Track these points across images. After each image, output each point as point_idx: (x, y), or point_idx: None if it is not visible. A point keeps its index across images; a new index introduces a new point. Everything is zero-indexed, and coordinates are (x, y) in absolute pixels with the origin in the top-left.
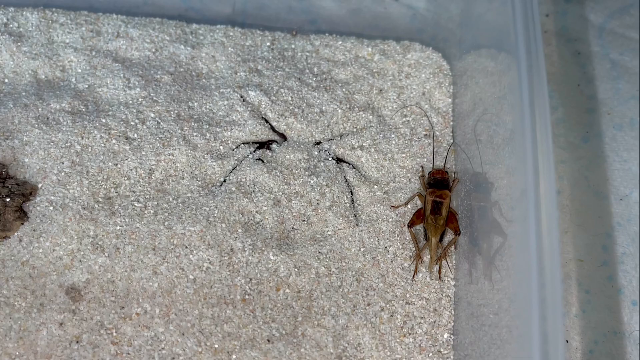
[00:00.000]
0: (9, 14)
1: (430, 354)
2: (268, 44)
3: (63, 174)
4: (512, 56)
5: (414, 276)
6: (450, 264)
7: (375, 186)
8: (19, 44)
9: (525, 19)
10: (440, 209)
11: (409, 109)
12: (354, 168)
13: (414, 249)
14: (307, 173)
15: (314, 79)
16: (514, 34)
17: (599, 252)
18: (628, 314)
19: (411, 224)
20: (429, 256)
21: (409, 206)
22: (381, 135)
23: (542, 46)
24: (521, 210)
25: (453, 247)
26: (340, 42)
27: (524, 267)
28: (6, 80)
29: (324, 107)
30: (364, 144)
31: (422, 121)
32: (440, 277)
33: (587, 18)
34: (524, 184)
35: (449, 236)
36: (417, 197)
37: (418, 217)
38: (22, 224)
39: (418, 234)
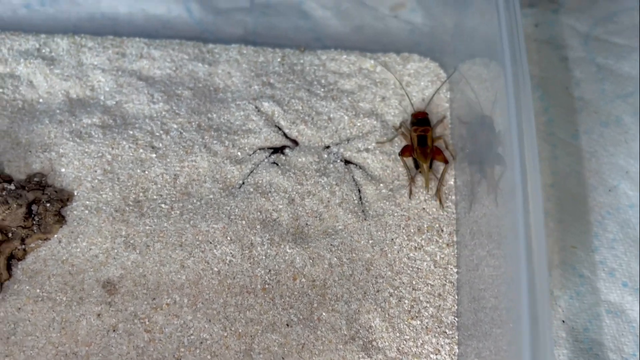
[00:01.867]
0: (41, 40)
1: (436, 335)
2: (279, 59)
3: (96, 181)
4: (500, 64)
5: (410, 196)
6: (444, 190)
7: (381, 184)
8: (52, 67)
9: (510, 29)
10: (425, 141)
11: (408, 113)
12: (360, 169)
13: (407, 175)
14: (318, 174)
15: (322, 89)
16: (501, 43)
17: (591, 239)
18: (619, 294)
19: (402, 153)
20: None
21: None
22: (385, 139)
23: (525, 54)
24: (511, 203)
25: (447, 175)
26: (344, 56)
27: (515, 254)
28: (41, 100)
29: (331, 115)
30: (369, 147)
31: None
32: (441, 203)
33: (573, 27)
34: (512, 179)
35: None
36: (401, 137)
37: (407, 150)
38: (61, 226)
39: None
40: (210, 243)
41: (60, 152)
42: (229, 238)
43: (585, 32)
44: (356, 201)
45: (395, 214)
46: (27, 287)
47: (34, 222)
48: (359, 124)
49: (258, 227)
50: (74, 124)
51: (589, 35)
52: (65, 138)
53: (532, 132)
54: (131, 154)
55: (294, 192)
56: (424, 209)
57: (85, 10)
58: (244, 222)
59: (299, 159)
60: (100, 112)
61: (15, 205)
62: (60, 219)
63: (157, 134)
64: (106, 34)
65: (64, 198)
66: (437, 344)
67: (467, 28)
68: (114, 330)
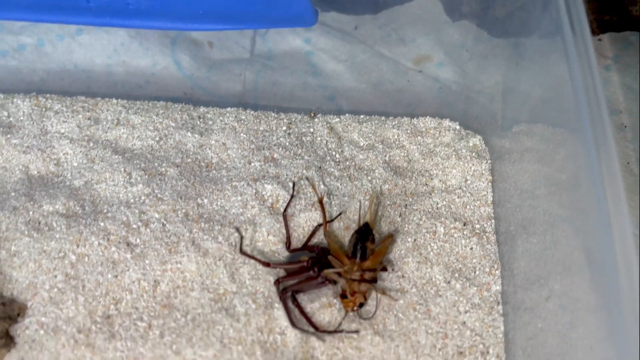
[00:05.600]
0: None
1: None
2: (284, 128)
3: (56, 290)
4: (570, 132)
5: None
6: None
7: (413, 288)
8: (9, 135)
9: (587, 90)
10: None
11: (445, 202)
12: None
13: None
14: None
15: (337, 167)
16: (576, 106)
17: None
18: None
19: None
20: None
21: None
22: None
23: (609, 121)
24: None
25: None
26: (363, 124)
27: None
28: None
29: (347, 200)
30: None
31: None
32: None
33: (630, 86)
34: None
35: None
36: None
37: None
38: (9, 351)
39: None
40: None
41: (12, 251)
42: None
43: None
44: (379, 312)
45: (429, 331)
46: None
47: None
48: (382, 214)
49: (258, 353)
50: (31, 212)
51: None
52: (20, 231)
53: (629, 232)
54: (101, 254)
55: (305, 303)
56: (464, 322)
57: (55, 62)
58: (240, 347)
59: None
60: (65, 196)
61: None
62: (8, 342)
63: (135, 226)
64: (78, 93)
65: (13, 314)
66: None
67: (517, 87)
68: None
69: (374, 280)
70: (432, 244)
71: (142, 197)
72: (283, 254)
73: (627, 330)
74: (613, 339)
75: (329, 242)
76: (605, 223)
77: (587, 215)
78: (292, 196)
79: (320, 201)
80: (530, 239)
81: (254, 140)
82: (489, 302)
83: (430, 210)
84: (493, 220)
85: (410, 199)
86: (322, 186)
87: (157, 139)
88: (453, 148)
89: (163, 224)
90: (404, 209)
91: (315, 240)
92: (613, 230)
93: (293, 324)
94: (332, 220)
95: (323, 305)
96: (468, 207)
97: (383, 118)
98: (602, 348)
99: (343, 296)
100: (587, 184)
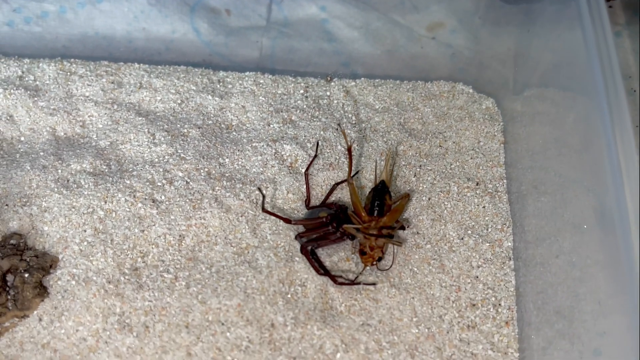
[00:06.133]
0: (24, 66)
1: None
2: (301, 91)
3: (85, 243)
4: (585, 97)
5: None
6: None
7: (428, 244)
8: (36, 98)
9: (600, 52)
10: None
11: (458, 163)
12: (401, 228)
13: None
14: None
15: (353, 129)
16: (589, 70)
17: None
18: None
19: None
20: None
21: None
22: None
23: (622, 84)
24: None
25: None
26: (378, 88)
27: None
28: (22, 139)
29: (364, 161)
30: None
31: (478, 173)
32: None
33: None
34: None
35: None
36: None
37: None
38: (42, 300)
39: None
40: (223, 324)
41: (43, 207)
42: (245, 318)
43: None
44: (394, 266)
45: (443, 284)
46: None
47: (9, 297)
48: (397, 172)
49: (280, 303)
50: (60, 171)
51: None
52: (50, 188)
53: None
54: (128, 210)
55: (324, 257)
56: (476, 277)
57: (77, 29)
58: (262, 297)
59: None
60: (92, 156)
61: None
62: (42, 292)
63: (159, 184)
64: (100, 59)
65: (46, 265)
66: None
67: (530, 52)
68: None
69: (390, 236)
70: (446, 203)
71: (166, 157)
72: (302, 211)
73: (634, 285)
74: (620, 294)
75: (351, 190)
76: (619, 183)
77: (598, 176)
78: (316, 155)
79: (349, 149)
80: (541, 199)
81: (272, 103)
82: (500, 257)
83: (444, 170)
84: (505, 180)
85: (425, 160)
86: (339, 146)
87: (179, 101)
88: (466, 111)
89: (187, 181)
90: (418, 169)
91: (333, 198)
92: (625, 190)
93: (318, 272)
94: (356, 174)
95: (341, 259)
96: (481, 167)
97: (398, 82)
98: (610, 303)
99: (362, 252)
100: (600, 145)
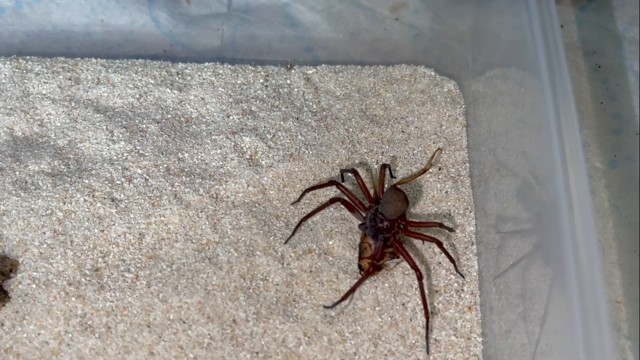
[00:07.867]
0: None
1: None
2: (261, 80)
3: (45, 245)
4: (533, 74)
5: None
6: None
7: None
8: None
9: (544, 30)
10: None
11: (420, 148)
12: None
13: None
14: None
15: (314, 118)
16: (533, 49)
17: (637, 292)
18: None
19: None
20: None
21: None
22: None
23: (565, 60)
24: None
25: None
26: (339, 74)
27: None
28: None
29: (325, 150)
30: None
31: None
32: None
33: (605, 27)
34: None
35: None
36: None
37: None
38: (4, 305)
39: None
40: (184, 322)
41: (1, 210)
42: (206, 315)
43: (620, 33)
44: (356, 256)
45: (406, 272)
46: None
47: None
48: (357, 160)
49: (241, 298)
50: (17, 172)
51: (623, 37)
52: (7, 191)
53: (582, 169)
54: (87, 210)
55: (286, 249)
56: (439, 263)
57: (34, 24)
58: (223, 293)
59: None
60: (50, 156)
61: None
62: (2, 296)
63: (118, 182)
64: (59, 54)
65: (5, 270)
66: None
67: (487, 32)
68: None
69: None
70: (409, 189)
71: (125, 154)
72: (263, 204)
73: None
74: (571, 272)
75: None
76: (563, 165)
77: (546, 155)
78: (342, 184)
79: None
80: (503, 181)
81: (232, 94)
82: (463, 242)
83: (406, 156)
84: (467, 164)
85: (387, 147)
86: (299, 137)
87: (137, 96)
88: (428, 94)
89: (146, 179)
90: (380, 156)
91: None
92: (569, 171)
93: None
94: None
95: (305, 251)
96: (443, 152)
97: (359, 67)
98: (555, 284)
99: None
100: (546, 126)
